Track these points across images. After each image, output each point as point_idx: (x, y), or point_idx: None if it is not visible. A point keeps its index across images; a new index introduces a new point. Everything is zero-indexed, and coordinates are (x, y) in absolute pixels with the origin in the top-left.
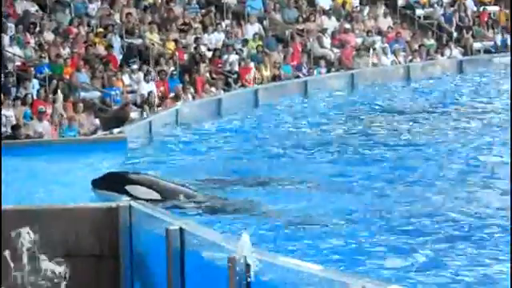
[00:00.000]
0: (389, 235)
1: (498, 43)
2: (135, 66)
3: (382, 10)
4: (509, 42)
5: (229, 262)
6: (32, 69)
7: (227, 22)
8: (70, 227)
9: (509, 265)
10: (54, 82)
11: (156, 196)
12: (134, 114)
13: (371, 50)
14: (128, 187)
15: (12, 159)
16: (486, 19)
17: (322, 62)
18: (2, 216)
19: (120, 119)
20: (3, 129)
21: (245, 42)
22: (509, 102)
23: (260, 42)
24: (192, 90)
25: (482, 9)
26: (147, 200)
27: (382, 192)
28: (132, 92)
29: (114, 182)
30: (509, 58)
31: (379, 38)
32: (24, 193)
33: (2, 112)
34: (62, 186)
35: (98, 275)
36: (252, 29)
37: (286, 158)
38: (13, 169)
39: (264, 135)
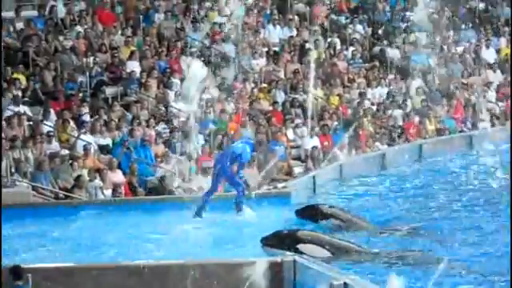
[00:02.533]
0: None
1: None
2: (299, 121)
3: None
4: None
5: None
6: (197, 124)
7: (391, 76)
8: (236, 281)
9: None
10: (219, 136)
11: (326, 253)
12: (298, 169)
13: None
14: (299, 246)
15: (174, 214)
16: None
17: (487, 116)
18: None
19: None
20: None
21: (408, 96)
22: None
23: (423, 97)
24: (356, 144)
25: None
26: (318, 258)
27: None
28: (296, 147)
29: (284, 240)
30: None
31: None
32: (190, 247)
33: (165, 166)
34: (229, 240)
35: None
36: (415, 83)
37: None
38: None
39: (423, 189)
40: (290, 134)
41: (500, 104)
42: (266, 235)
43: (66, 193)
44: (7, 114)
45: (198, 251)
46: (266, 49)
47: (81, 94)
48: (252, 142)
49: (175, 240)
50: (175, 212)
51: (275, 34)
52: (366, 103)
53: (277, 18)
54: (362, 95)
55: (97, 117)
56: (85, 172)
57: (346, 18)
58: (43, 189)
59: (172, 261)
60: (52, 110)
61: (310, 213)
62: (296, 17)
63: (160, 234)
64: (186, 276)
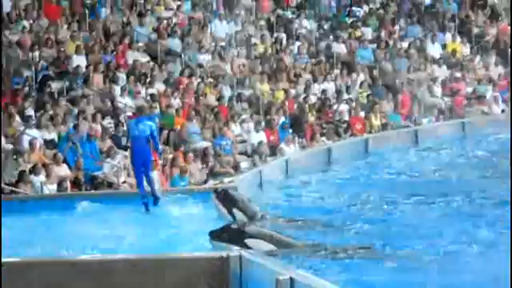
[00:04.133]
0: None
1: None
2: (245, 116)
3: (493, 58)
4: None
5: None
6: None
7: (337, 71)
8: (182, 276)
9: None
10: (165, 131)
11: (272, 248)
12: (244, 164)
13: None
14: (247, 240)
15: (120, 208)
16: None
17: (433, 111)
18: (111, 266)
19: None
20: (114, 178)
21: (354, 91)
22: None
23: (368, 91)
24: (301, 139)
25: None
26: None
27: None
28: (242, 142)
29: (232, 235)
30: None
31: (490, 86)
32: (133, 240)
33: (111, 161)
34: (173, 234)
35: None
36: (361, 78)
37: (398, 206)
38: (127, 219)
39: (373, 183)
40: (237, 128)
41: (445, 99)
42: (213, 229)
43: (11, 187)
44: None
45: (145, 246)
46: (212, 44)
47: (26, 89)
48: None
49: (121, 235)
50: (121, 207)
51: (222, 28)
52: (312, 98)
53: (223, 13)
54: (308, 90)
55: (42, 111)
56: (29, 167)
57: (293, 13)
58: None
59: (118, 255)
60: None
61: (232, 234)
62: (242, 12)
63: (105, 228)
64: (132, 271)
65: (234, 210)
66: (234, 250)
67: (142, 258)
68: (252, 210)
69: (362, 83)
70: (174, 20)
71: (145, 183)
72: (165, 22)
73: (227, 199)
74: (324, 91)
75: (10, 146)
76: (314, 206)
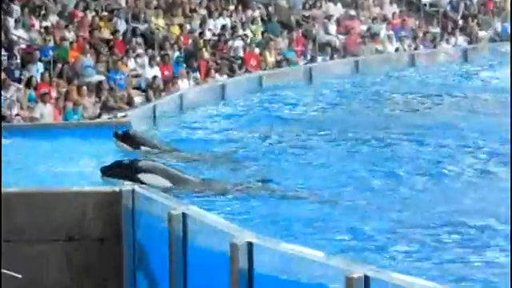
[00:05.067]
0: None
1: (501, 30)
2: (140, 51)
3: None
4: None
5: (230, 248)
6: (37, 52)
7: (232, 7)
8: (74, 210)
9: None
10: (59, 65)
11: (166, 183)
12: (138, 99)
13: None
14: (140, 175)
15: (15, 141)
16: (491, 8)
17: (327, 49)
18: (4, 199)
19: None
20: (7, 111)
21: (249, 27)
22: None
23: (263, 28)
24: (196, 75)
25: None
26: (158, 187)
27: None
28: (136, 76)
29: (124, 170)
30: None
31: (384, 25)
32: (26, 175)
33: (4, 94)
34: (65, 170)
35: (100, 259)
36: (256, 15)
37: (285, 142)
38: (16, 151)
39: (266, 120)
40: (131, 63)
41: (340, 37)
42: (105, 165)
43: None
44: None
45: (38, 179)
46: None
47: None
48: None
49: (16, 168)
50: (15, 140)
51: None
52: (207, 34)
53: None
54: (203, 26)
55: None
56: None
57: None
58: None
59: (10, 189)
60: None
61: (124, 170)
62: None
63: None
64: (22, 203)
65: (142, 148)
66: (127, 185)
67: (33, 191)
68: (153, 143)
69: (257, 20)
70: None
71: None
72: None
73: (130, 140)
74: (219, 27)
75: None
76: (208, 140)
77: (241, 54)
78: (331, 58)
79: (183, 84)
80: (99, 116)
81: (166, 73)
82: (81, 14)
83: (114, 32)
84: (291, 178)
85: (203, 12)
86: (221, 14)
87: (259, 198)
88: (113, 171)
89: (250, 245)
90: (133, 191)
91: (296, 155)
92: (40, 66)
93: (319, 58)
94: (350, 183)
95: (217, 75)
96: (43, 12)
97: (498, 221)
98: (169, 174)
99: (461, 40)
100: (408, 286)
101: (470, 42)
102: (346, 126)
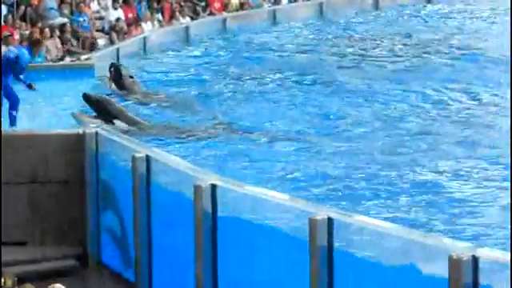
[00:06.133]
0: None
1: None
2: None
3: None
4: None
5: (194, 190)
6: None
7: None
8: (38, 153)
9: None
10: (22, 7)
11: (125, 127)
12: (101, 41)
13: None
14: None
15: None
16: None
17: None
18: None
19: None
20: None
21: None
22: None
23: None
24: (160, 17)
25: None
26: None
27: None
28: (100, 18)
29: (100, 107)
30: None
31: None
32: None
33: None
34: (29, 112)
35: (64, 201)
36: None
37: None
38: None
39: (229, 61)
40: (94, 5)
41: None
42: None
43: None
44: None
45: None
46: None
47: None
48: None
49: None
50: None
51: None
52: None
53: None
54: None
55: None
56: None
57: None
58: None
59: None
60: None
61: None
62: None
63: None
64: None
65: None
66: (91, 127)
67: None
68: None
69: None
70: None
71: None
72: None
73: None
74: None
75: None
76: (171, 83)
77: None
78: (295, 0)
79: (147, 27)
80: (62, 59)
81: (130, 15)
82: None
83: None
84: (254, 118)
85: None
86: None
87: (220, 139)
88: (91, 100)
89: (213, 187)
90: (96, 134)
91: (259, 96)
92: (3, 8)
93: (284, 1)
94: (311, 123)
95: (181, 17)
96: None
97: None
98: (128, 117)
99: None
100: (372, 227)
101: None
102: (307, 67)
